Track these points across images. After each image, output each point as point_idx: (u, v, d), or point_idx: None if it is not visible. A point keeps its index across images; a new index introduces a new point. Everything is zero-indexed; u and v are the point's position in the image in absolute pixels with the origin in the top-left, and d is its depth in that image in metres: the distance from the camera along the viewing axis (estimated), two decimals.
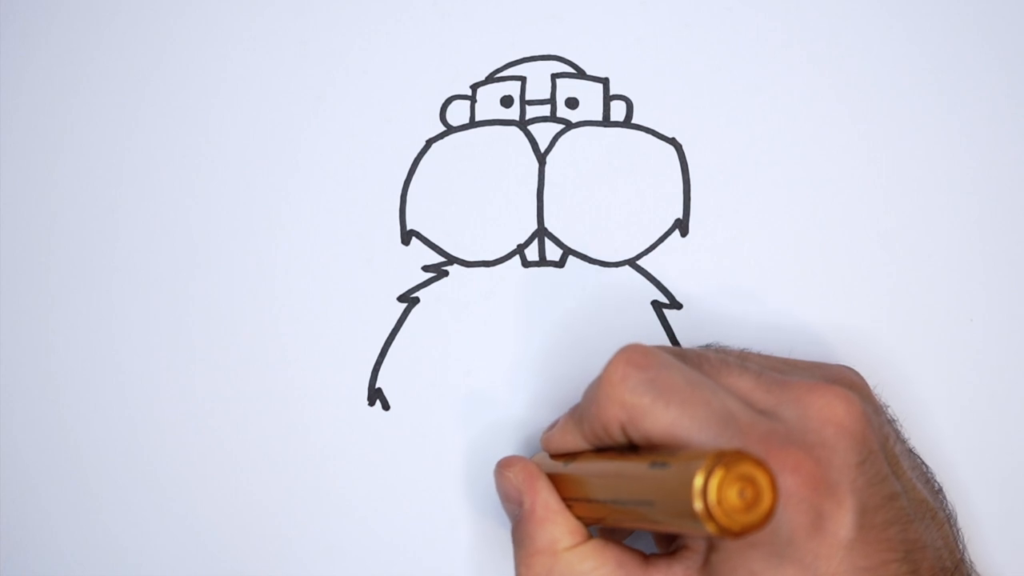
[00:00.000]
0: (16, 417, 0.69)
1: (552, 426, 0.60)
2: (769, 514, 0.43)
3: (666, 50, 0.69)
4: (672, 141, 0.68)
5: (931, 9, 0.69)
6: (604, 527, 0.57)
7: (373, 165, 0.69)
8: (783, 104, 0.68)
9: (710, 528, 0.43)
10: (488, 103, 0.70)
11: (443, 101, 0.70)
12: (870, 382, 0.57)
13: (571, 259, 0.68)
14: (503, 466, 0.59)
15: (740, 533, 0.43)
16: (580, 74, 0.69)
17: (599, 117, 0.69)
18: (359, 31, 0.71)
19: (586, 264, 0.67)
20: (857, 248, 0.67)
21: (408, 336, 0.68)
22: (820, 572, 0.48)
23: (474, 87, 0.70)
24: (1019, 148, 0.67)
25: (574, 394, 0.65)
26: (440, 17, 0.71)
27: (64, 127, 0.71)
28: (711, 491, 0.42)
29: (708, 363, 0.54)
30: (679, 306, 0.67)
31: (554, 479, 0.57)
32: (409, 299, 0.68)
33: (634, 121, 0.69)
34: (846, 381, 0.56)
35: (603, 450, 0.55)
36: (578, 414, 0.56)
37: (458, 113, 0.70)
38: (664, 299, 0.67)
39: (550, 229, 0.68)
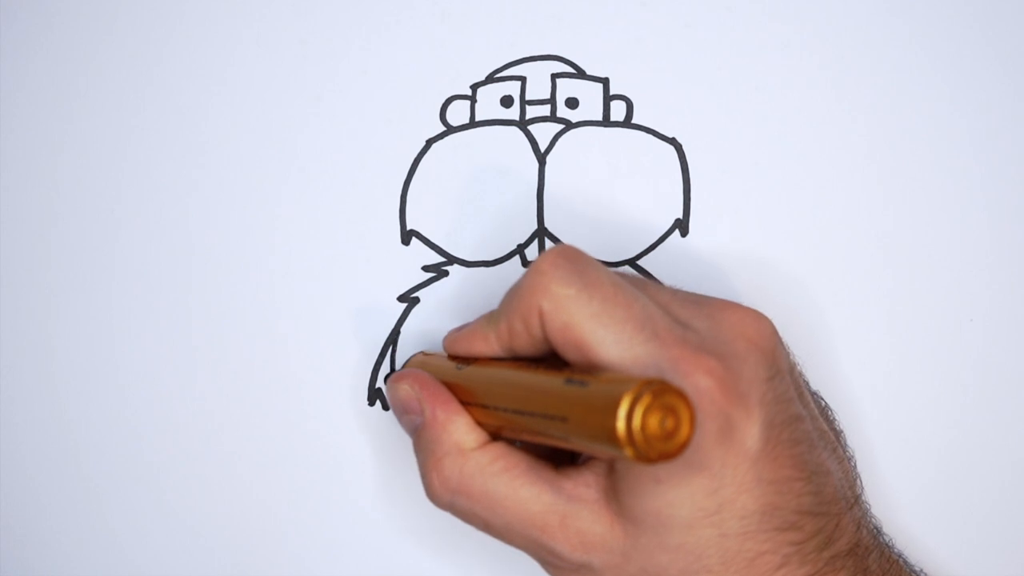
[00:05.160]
0: (16, 417, 0.69)
1: (459, 329, 0.60)
2: (684, 445, 0.44)
3: (666, 50, 0.69)
4: (672, 141, 0.68)
5: (931, 9, 0.69)
6: (497, 436, 0.56)
7: (373, 165, 0.69)
8: (783, 104, 0.68)
9: (627, 452, 0.43)
10: (488, 103, 0.70)
11: (443, 101, 0.70)
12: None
13: None
14: (395, 380, 0.59)
15: (654, 460, 0.44)
16: (580, 74, 0.69)
17: (599, 117, 0.69)
18: (359, 31, 0.71)
19: None
20: (857, 248, 0.67)
21: (408, 336, 0.68)
22: (727, 480, 0.49)
23: (474, 87, 0.70)
24: (1020, 148, 0.67)
25: None
26: (440, 17, 0.71)
27: (64, 127, 0.71)
28: (636, 416, 0.43)
29: (630, 276, 0.56)
30: None
31: (447, 386, 0.57)
32: (409, 299, 0.68)
33: (634, 121, 0.69)
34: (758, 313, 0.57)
35: (506, 360, 0.55)
36: (495, 314, 0.56)
37: (458, 113, 0.70)
38: None
39: (550, 229, 0.68)
